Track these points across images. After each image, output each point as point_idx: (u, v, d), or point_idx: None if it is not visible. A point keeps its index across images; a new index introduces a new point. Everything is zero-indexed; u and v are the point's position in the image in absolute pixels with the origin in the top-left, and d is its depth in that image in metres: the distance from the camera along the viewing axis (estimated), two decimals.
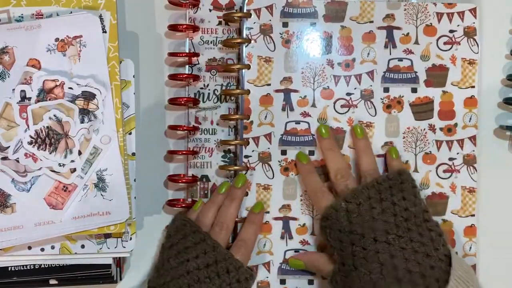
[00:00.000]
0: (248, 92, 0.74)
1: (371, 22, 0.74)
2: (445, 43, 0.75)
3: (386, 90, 0.75)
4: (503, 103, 0.77)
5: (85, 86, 0.69)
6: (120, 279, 0.75)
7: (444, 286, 0.63)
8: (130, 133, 0.72)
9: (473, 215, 0.75)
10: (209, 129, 0.76)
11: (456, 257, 0.67)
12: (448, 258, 0.66)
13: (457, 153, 0.75)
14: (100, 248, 0.71)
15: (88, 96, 0.69)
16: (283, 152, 0.74)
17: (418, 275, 0.63)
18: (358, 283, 0.64)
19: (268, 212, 0.74)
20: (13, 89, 0.68)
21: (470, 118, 0.75)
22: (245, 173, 0.74)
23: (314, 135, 0.74)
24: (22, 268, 0.71)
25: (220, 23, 0.75)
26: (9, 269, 0.71)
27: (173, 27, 0.74)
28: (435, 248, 0.65)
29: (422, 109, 0.75)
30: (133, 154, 0.72)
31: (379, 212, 0.66)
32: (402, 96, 0.75)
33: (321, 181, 0.73)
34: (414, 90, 0.75)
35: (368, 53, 0.75)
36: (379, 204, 0.67)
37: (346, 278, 0.66)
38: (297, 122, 0.74)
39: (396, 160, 0.73)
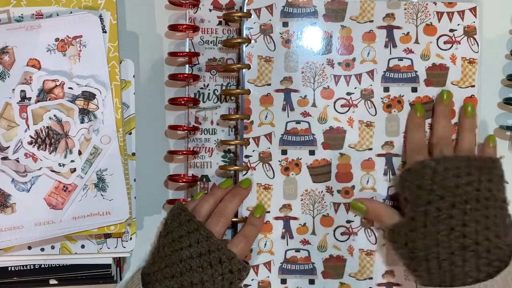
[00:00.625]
0: (248, 92, 0.74)
1: (371, 21, 0.74)
2: (445, 43, 0.75)
3: (386, 89, 0.75)
4: (503, 103, 0.77)
5: (85, 86, 0.69)
6: (120, 279, 0.75)
7: (504, 267, 0.64)
8: (130, 133, 0.72)
9: None
10: (209, 129, 0.76)
11: None
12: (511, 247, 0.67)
13: None
14: (100, 248, 0.71)
15: (88, 96, 0.69)
16: (284, 152, 0.74)
17: (484, 249, 0.65)
18: (422, 240, 0.66)
19: (268, 212, 0.74)
20: (13, 89, 0.68)
21: None
22: (246, 173, 0.74)
23: (314, 134, 0.74)
24: (22, 268, 0.71)
25: (220, 23, 0.75)
26: (9, 269, 0.71)
27: (173, 27, 0.74)
28: (505, 233, 0.66)
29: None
30: (133, 154, 0.72)
31: (464, 183, 0.67)
32: (402, 96, 0.75)
33: (425, 139, 0.73)
34: (414, 90, 0.75)
35: (368, 53, 0.75)
36: (466, 176, 0.67)
37: (411, 233, 0.67)
38: (298, 122, 0.74)
39: (491, 148, 0.73)
